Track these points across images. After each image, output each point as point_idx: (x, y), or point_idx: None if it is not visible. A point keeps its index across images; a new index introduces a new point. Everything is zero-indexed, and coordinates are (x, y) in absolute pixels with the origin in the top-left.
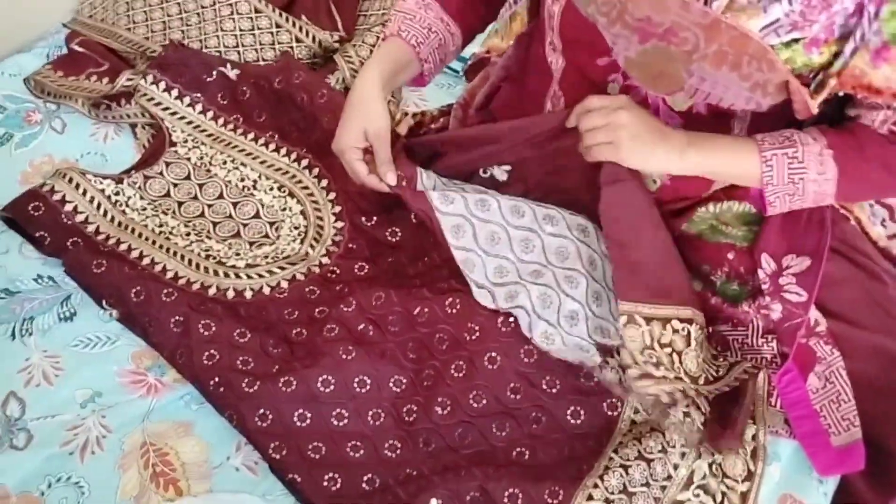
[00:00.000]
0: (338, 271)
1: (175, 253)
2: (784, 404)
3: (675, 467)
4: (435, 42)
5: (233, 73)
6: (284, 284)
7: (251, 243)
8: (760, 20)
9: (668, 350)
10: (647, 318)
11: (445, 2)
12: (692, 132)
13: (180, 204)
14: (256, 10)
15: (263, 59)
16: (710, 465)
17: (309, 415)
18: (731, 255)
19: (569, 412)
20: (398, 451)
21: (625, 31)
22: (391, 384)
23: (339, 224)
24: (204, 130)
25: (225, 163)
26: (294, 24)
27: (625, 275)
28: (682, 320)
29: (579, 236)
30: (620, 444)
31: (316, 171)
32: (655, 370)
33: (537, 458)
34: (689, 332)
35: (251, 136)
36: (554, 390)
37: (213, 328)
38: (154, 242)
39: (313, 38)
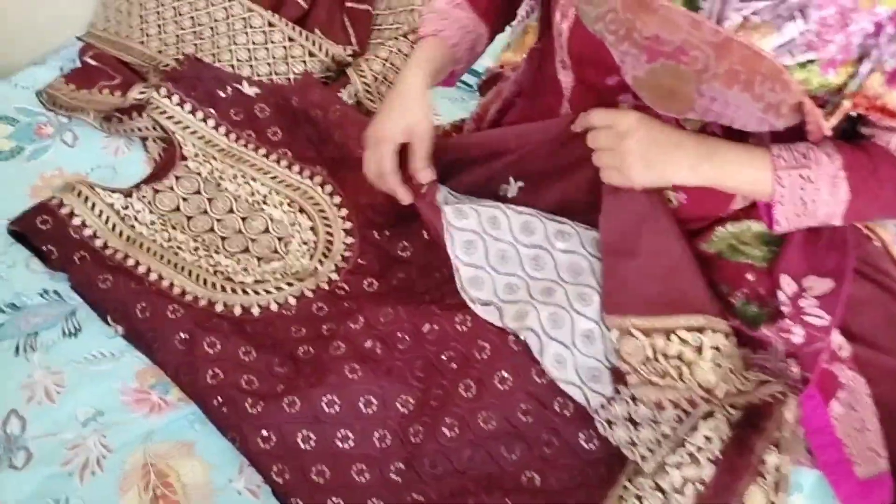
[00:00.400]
0: (347, 287)
1: (183, 268)
2: (806, 432)
3: None
4: (468, 42)
5: (251, 91)
6: (292, 301)
7: (259, 258)
8: (774, 39)
9: (676, 362)
10: (645, 330)
11: (474, 2)
12: (707, 139)
13: (189, 218)
14: (270, 24)
15: (276, 73)
16: None
17: (313, 436)
18: (750, 276)
19: (582, 436)
20: (404, 475)
21: (633, 50)
22: (398, 404)
23: (350, 240)
24: (216, 145)
25: (235, 177)
26: (307, 38)
27: (613, 287)
28: (690, 329)
29: (592, 251)
30: (635, 473)
31: (329, 188)
32: (660, 380)
33: (548, 484)
34: (701, 342)
35: (263, 151)
36: (567, 413)
37: (219, 346)
38: (162, 257)
39: (326, 52)
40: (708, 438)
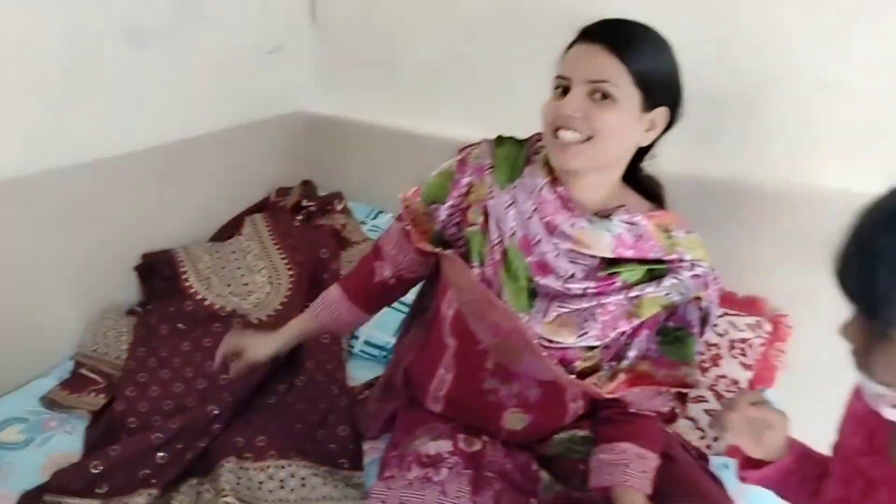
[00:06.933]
0: None
1: None
2: None
3: None
4: (345, 324)
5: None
6: None
7: None
8: (575, 331)
9: None
10: None
11: (357, 300)
12: None
13: None
14: None
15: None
16: None
17: None
18: (581, 466)
19: None
20: None
21: (484, 327)
22: None
23: None
24: None
25: None
26: None
27: None
28: None
29: None
30: None
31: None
32: None
33: None
34: None
35: None
36: None
37: None
38: None
39: None
40: None
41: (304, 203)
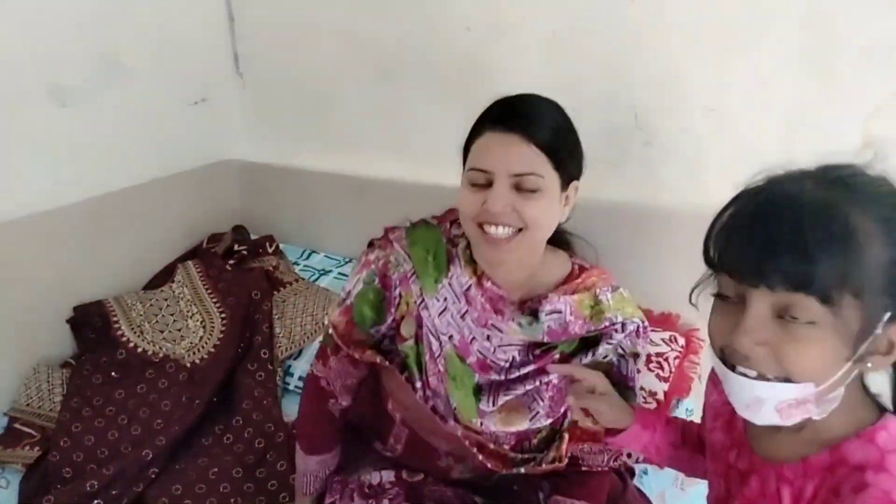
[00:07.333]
0: None
1: None
2: None
3: None
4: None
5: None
6: None
7: None
8: (526, 414)
9: None
10: None
11: (330, 447)
12: None
13: None
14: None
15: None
16: None
17: None
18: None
19: None
20: None
21: (434, 437)
22: None
23: None
24: None
25: None
26: None
27: None
28: None
29: None
30: None
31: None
32: None
33: None
34: None
35: None
36: None
37: None
38: None
39: None
40: None
41: (236, 248)
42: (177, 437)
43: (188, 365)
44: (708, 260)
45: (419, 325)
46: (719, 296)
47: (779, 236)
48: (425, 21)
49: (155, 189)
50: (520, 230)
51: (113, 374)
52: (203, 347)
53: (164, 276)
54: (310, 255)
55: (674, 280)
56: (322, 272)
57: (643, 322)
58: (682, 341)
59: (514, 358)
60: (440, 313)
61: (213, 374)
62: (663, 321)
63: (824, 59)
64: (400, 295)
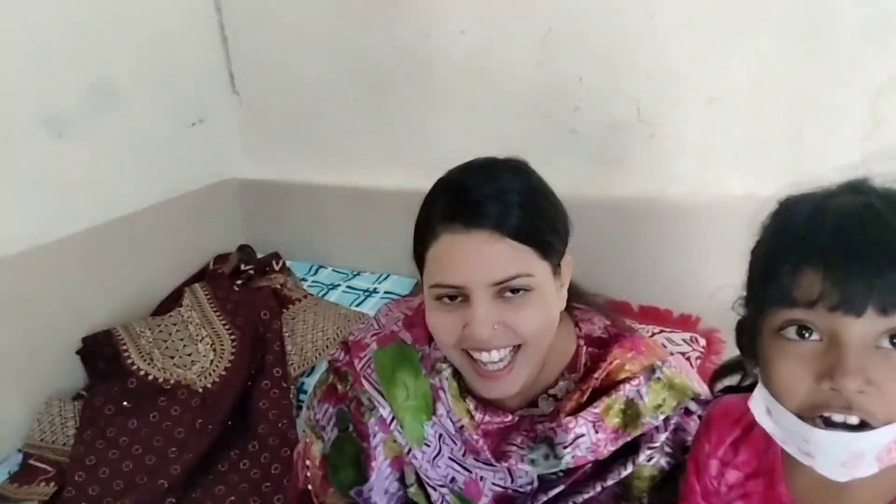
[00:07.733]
0: None
1: None
2: None
3: None
4: None
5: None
6: None
7: None
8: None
9: None
10: None
11: None
12: None
13: None
14: None
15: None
16: None
17: None
18: None
19: None
20: None
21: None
22: None
23: None
24: None
25: None
26: None
27: None
28: None
29: None
30: None
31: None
32: None
33: None
34: None
35: None
36: None
37: None
38: None
39: None
40: None
41: (243, 267)
42: (192, 465)
43: (200, 390)
44: (771, 295)
45: (415, 474)
46: (789, 334)
47: (879, 253)
48: (419, 28)
49: (157, 213)
50: (518, 346)
51: (125, 403)
52: (214, 371)
53: (171, 301)
54: (317, 270)
55: (689, 276)
56: (331, 286)
57: (691, 403)
58: (703, 341)
59: (535, 480)
60: (433, 458)
61: (225, 398)
62: (682, 323)
63: (824, 39)
64: (382, 441)
